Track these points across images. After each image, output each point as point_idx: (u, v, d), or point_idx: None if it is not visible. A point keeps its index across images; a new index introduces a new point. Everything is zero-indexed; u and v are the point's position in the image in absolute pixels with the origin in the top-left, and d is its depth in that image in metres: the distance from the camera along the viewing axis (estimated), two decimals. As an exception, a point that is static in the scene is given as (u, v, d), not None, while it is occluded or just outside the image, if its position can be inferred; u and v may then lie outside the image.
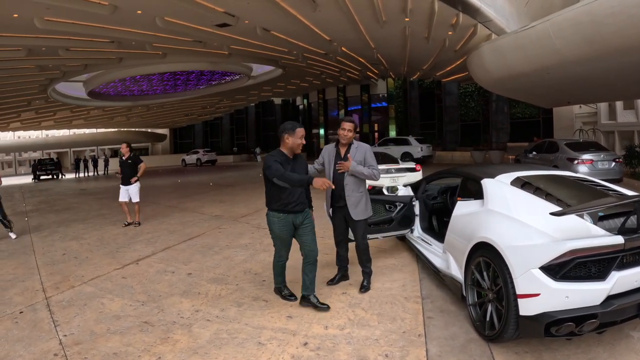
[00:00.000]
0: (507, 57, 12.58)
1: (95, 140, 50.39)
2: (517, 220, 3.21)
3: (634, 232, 2.80)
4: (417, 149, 22.17)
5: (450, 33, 13.43)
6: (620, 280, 2.72)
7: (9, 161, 59.67)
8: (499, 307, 3.06)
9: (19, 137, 54.04)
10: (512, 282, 2.88)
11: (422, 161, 19.94)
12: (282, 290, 4.16)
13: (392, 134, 32.13)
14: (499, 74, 13.61)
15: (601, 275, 2.75)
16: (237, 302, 4.16)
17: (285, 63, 20.37)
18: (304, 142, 3.88)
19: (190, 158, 37.87)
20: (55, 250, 6.73)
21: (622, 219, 2.98)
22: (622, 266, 2.76)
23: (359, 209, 4.20)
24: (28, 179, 31.27)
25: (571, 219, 3.02)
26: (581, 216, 3.07)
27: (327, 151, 4.37)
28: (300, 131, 3.87)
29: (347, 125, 4.21)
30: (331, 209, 4.38)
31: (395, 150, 20.37)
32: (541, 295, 2.73)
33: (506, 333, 2.95)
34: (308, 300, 3.90)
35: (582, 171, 10.15)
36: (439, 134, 31.07)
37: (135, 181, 8.73)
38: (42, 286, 4.93)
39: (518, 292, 2.82)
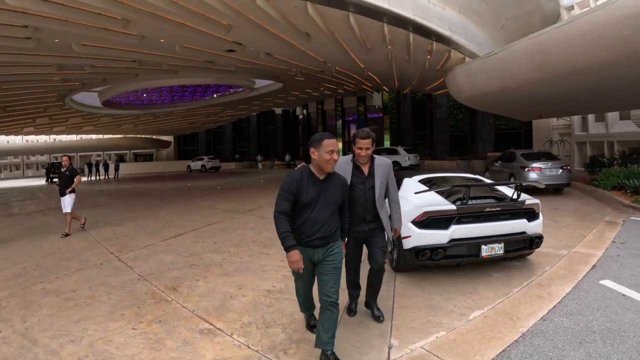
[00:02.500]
0: (476, 78, 14.58)
1: (102, 145, 52.54)
2: (406, 198, 5.11)
3: (464, 203, 4.82)
4: (405, 158, 24.19)
5: (428, 57, 15.44)
6: (456, 230, 4.69)
7: (17, 164, 61.56)
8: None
9: (27, 141, 56.06)
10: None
11: (410, 169, 21.99)
12: (310, 319, 3.59)
13: (387, 143, 34.02)
14: (470, 93, 15.64)
15: (445, 227, 4.72)
16: (249, 255, 6.28)
17: (285, 78, 22.42)
18: (335, 157, 3.06)
19: (195, 164, 39.77)
20: (106, 233, 8.76)
21: (463, 197, 5.03)
22: (458, 222, 4.75)
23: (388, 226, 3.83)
24: (37, 182, 33.22)
25: (431, 195, 5.09)
26: (442, 194, 5.13)
27: (341, 166, 3.61)
28: (329, 143, 3.04)
29: (365, 144, 3.60)
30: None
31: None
32: (412, 237, 4.73)
33: (399, 263, 5.09)
34: (325, 356, 3.06)
35: (532, 177, 12.18)
36: (429, 144, 32.89)
37: (70, 192, 8.90)
38: (109, 251, 6.95)
39: (402, 235, 4.74)
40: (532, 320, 3.74)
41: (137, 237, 8.11)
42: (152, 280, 5.23)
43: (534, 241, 4.93)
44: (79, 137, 52.70)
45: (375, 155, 3.77)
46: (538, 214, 5.10)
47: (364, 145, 3.59)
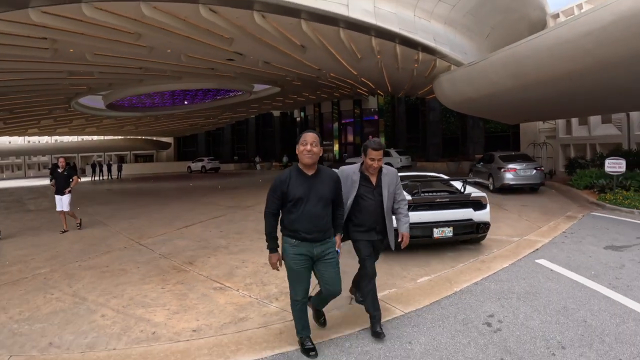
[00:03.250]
0: (460, 86, 15.75)
1: (103, 146, 53.55)
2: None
3: (418, 195, 5.98)
4: (397, 160, 25.39)
5: (415, 65, 16.56)
6: (413, 216, 5.67)
7: (19, 164, 62.44)
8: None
9: (29, 142, 56.99)
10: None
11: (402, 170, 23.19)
12: (304, 342, 3.37)
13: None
14: (455, 98, 16.82)
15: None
16: (250, 240, 7.44)
17: (282, 82, 23.55)
18: (309, 149, 3.12)
19: (196, 165, 40.89)
20: (123, 224, 9.90)
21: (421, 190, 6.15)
22: (414, 210, 5.80)
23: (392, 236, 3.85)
24: (40, 182, 34.30)
25: None
26: (404, 187, 6.26)
27: (349, 177, 3.70)
28: (306, 136, 3.17)
29: (377, 155, 3.60)
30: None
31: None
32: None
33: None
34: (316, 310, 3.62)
35: (508, 177, 13.38)
36: (423, 146, 33.93)
37: (69, 192, 9.38)
38: (129, 238, 8.07)
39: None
40: (466, 284, 4.87)
41: (152, 227, 9.24)
42: (171, 258, 6.37)
43: (480, 227, 6.08)
44: (80, 138, 53.57)
45: (382, 165, 3.75)
46: (485, 205, 6.24)
47: (376, 157, 3.59)
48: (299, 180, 3.16)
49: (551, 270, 5.41)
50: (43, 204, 16.12)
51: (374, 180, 3.70)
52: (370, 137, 36.17)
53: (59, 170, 9.66)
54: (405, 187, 6.24)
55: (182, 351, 3.45)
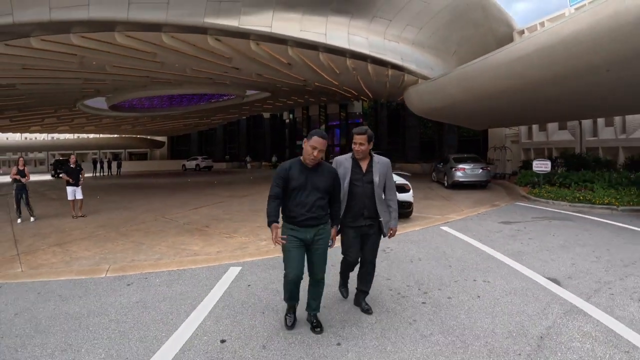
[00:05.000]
0: (424, 97, 18.48)
1: (99, 144, 55.43)
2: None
3: None
4: (376, 160, 27.96)
5: (387, 79, 19.28)
6: None
7: (16, 160, 63.49)
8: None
9: (25, 138, 58.59)
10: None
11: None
12: (289, 311, 3.81)
13: (365, 147, 37.65)
14: (421, 107, 19.58)
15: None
16: (247, 215, 10.13)
17: (273, 89, 26.14)
18: (315, 154, 3.38)
19: (190, 163, 43.34)
20: (143, 208, 12.48)
21: None
22: None
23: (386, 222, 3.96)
24: (41, 177, 36.70)
25: None
26: None
27: (341, 164, 3.93)
28: (316, 140, 3.38)
29: (360, 139, 3.83)
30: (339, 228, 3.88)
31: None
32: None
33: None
34: (311, 316, 3.78)
35: (458, 175, 16.15)
36: (402, 149, 36.32)
37: (81, 183, 11.42)
38: (155, 215, 10.68)
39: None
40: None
41: (169, 209, 11.87)
42: (192, 224, 9.05)
43: (404, 204, 8.74)
44: (75, 135, 55.63)
45: (375, 154, 3.97)
46: (408, 190, 8.93)
47: (358, 140, 3.80)
48: (300, 171, 3.45)
49: (446, 232, 8.06)
50: (62, 194, 18.50)
51: (364, 166, 3.87)
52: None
53: (72, 165, 11.55)
54: None
55: (214, 258, 6.20)
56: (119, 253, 6.73)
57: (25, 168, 11.39)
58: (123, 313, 4.15)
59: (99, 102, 30.03)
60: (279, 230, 3.38)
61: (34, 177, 37.58)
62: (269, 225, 3.36)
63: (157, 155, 57.26)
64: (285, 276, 3.53)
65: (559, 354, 3.15)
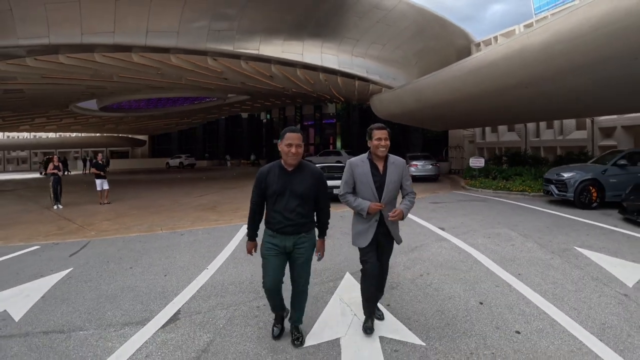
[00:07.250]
0: (386, 104, 21.63)
1: (81, 142, 56.25)
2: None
3: (325, 171, 11.71)
4: (346, 158, 31.14)
5: (355, 87, 22.42)
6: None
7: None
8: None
9: (8, 137, 58.59)
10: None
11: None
12: (275, 321, 3.70)
13: (339, 145, 41.03)
14: (384, 112, 22.76)
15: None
16: (242, 201, 13.03)
17: (252, 92, 28.91)
18: (294, 151, 3.18)
19: (174, 161, 45.55)
20: (156, 195, 15.26)
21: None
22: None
23: (397, 229, 3.78)
24: (26, 175, 38.39)
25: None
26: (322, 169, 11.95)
27: (357, 167, 3.59)
28: (289, 136, 3.19)
29: (381, 134, 3.49)
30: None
31: (330, 159, 29.53)
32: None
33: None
34: (295, 328, 3.60)
35: (412, 170, 19.38)
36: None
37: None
38: (169, 200, 13.50)
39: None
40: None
41: (178, 196, 14.72)
42: (203, 206, 12.00)
43: None
44: (58, 134, 56.31)
45: (389, 155, 3.63)
46: None
47: (381, 136, 3.47)
48: (278, 176, 3.25)
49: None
50: (67, 188, 20.97)
51: (381, 167, 3.57)
52: (331, 138, 41.72)
53: (100, 162, 14.42)
54: (324, 170, 11.97)
55: (230, 221, 9.26)
56: (161, 222, 9.59)
57: (60, 164, 13.90)
58: (188, 244, 7.16)
59: (89, 103, 31.96)
60: (253, 248, 3.50)
61: (18, 176, 39.38)
62: (248, 238, 3.52)
63: (138, 154, 58.70)
64: (263, 285, 3.39)
65: (423, 252, 6.32)
